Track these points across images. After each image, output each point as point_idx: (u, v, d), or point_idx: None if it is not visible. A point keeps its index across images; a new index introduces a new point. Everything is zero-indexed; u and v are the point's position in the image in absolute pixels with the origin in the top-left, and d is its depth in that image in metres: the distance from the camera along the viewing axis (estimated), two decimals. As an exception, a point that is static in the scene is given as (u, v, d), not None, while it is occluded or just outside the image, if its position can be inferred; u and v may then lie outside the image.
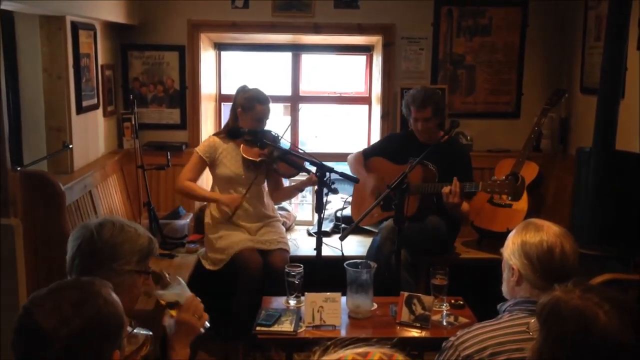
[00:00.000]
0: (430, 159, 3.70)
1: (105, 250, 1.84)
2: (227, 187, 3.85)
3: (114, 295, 1.45)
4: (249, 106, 3.77)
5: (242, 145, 3.78)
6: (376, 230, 3.87)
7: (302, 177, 3.99)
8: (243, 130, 3.68)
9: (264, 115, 3.80)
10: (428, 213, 3.79)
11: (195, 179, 3.84)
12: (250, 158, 3.75)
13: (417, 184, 3.65)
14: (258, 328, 2.79)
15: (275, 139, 3.78)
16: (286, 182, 4.25)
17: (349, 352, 1.00)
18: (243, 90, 3.85)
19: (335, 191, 3.31)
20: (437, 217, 3.80)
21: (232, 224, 3.80)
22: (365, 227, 4.13)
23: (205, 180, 4.28)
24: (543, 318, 1.44)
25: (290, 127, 4.41)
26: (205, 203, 4.03)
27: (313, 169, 3.39)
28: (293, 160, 3.65)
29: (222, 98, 4.91)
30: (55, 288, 1.42)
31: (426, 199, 3.76)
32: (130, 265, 1.87)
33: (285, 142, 3.89)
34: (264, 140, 3.65)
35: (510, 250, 1.97)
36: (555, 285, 1.48)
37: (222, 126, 4.07)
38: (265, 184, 3.96)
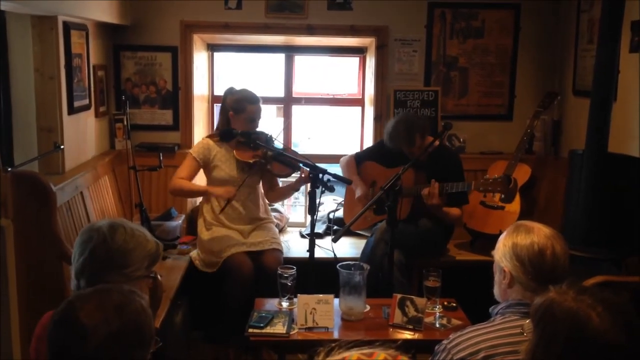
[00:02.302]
0: (419, 163, 3.70)
1: (118, 256, 1.85)
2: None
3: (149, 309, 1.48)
4: (240, 108, 3.76)
5: (235, 147, 3.77)
6: (368, 234, 3.86)
7: (295, 177, 3.98)
8: (235, 131, 3.67)
9: (256, 115, 3.79)
10: (421, 215, 3.79)
11: (188, 179, 3.82)
12: (244, 160, 3.74)
13: (406, 187, 3.65)
14: (250, 330, 2.78)
15: (269, 140, 3.78)
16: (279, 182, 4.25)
17: (354, 353, 1.00)
18: (231, 92, 3.83)
19: (331, 189, 3.30)
20: (430, 219, 3.80)
21: (224, 224, 3.79)
22: (357, 231, 4.12)
23: (200, 182, 4.25)
24: (537, 319, 1.44)
25: (282, 129, 4.40)
26: (197, 204, 4.01)
27: (307, 168, 3.40)
28: (287, 160, 3.65)
29: (214, 99, 4.89)
30: (100, 289, 1.46)
31: (419, 202, 3.75)
32: (140, 271, 1.89)
33: (279, 143, 3.88)
34: (257, 142, 3.65)
35: (501, 252, 1.97)
36: (550, 287, 1.48)
37: (214, 129, 4.05)
38: (260, 185, 3.95)
